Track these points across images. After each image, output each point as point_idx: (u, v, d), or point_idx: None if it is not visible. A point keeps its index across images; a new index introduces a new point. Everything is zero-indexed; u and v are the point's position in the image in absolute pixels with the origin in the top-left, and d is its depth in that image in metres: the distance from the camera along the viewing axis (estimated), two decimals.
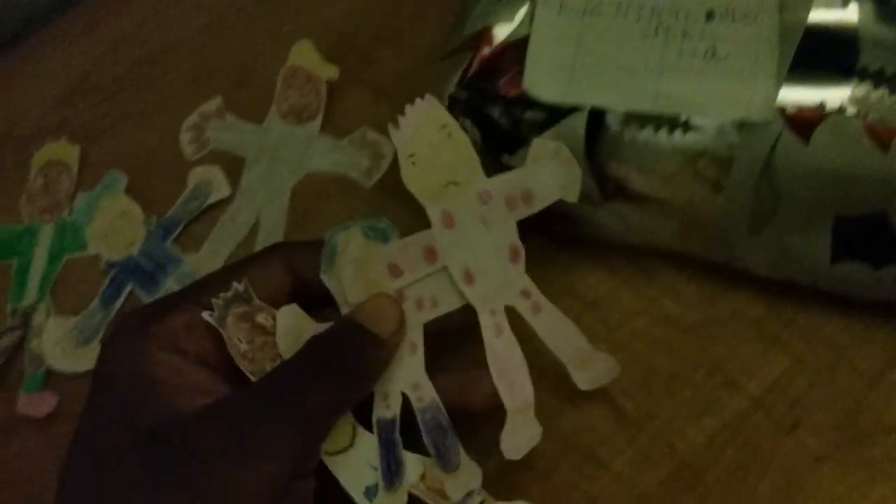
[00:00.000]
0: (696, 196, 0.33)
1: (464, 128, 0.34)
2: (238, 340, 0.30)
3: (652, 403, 0.35)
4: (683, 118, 0.32)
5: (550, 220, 0.37)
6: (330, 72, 0.45)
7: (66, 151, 0.46)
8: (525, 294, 0.34)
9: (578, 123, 0.32)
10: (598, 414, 0.35)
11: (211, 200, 0.44)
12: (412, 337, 0.32)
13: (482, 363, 0.33)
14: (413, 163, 0.33)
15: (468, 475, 0.32)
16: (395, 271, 0.32)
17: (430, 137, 0.33)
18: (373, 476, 0.31)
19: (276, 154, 0.44)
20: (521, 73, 0.33)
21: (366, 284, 0.32)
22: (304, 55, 0.46)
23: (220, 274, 0.33)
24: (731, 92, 0.31)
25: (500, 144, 0.34)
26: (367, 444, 0.31)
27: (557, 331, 0.34)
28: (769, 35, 0.32)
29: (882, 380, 0.35)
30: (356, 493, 0.30)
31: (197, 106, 0.47)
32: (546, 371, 0.36)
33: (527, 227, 0.36)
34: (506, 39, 0.34)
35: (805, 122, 0.30)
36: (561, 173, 0.33)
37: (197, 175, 0.44)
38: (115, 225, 0.43)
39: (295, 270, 0.33)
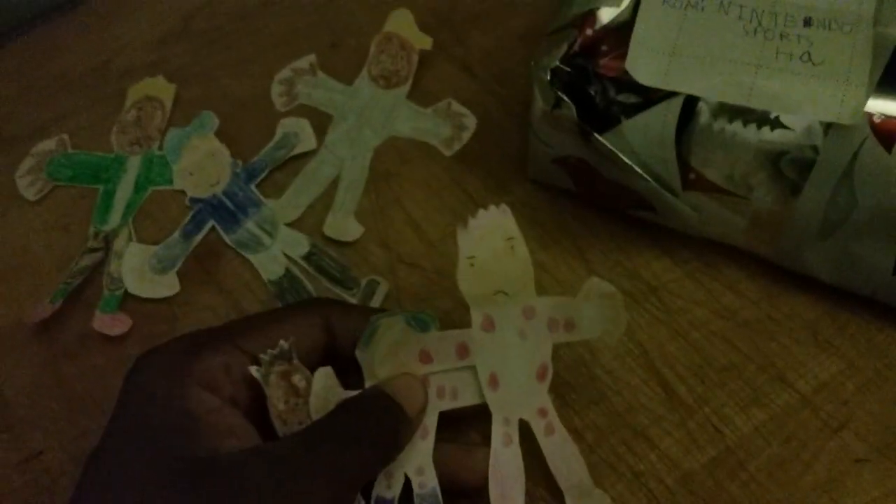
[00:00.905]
0: (772, 194, 0.35)
1: (559, 102, 0.36)
2: (276, 400, 0.31)
3: (704, 390, 0.36)
4: (774, 115, 0.33)
5: (627, 204, 0.39)
6: (424, 42, 0.47)
7: (162, 88, 0.48)
8: (542, 413, 0.34)
9: (672, 109, 0.34)
10: (651, 394, 0.37)
11: (296, 151, 0.45)
12: (426, 422, 0.33)
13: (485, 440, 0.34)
14: (471, 265, 0.33)
15: None
16: (425, 358, 0.33)
17: (494, 246, 0.33)
18: None
19: (363, 114, 0.46)
20: (620, 57, 0.35)
21: (395, 364, 0.33)
22: (402, 23, 0.47)
23: (260, 320, 0.34)
24: (824, 94, 0.33)
25: (592, 123, 0.35)
26: None
27: (564, 457, 0.35)
28: (863, 46, 0.33)
29: None
30: None
31: (290, 62, 0.48)
32: (601, 350, 0.38)
33: (603, 208, 0.37)
34: (609, 22, 0.35)
35: (890, 131, 0.32)
36: (607, 315, 0.34)
37: (286, 125, 0.46)
38: (202, 163, 0.44)
39: (331, 329, 0.34)
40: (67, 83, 0.50)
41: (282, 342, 0.32)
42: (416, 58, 0.47)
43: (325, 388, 0.31)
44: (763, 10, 0.35)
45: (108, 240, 0.43)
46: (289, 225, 0.43)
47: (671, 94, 0.34)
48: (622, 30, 0.35)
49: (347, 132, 0.46)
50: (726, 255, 0.39)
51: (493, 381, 0.34)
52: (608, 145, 0.35)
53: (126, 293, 0.41)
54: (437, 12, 0.50)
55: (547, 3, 0.49)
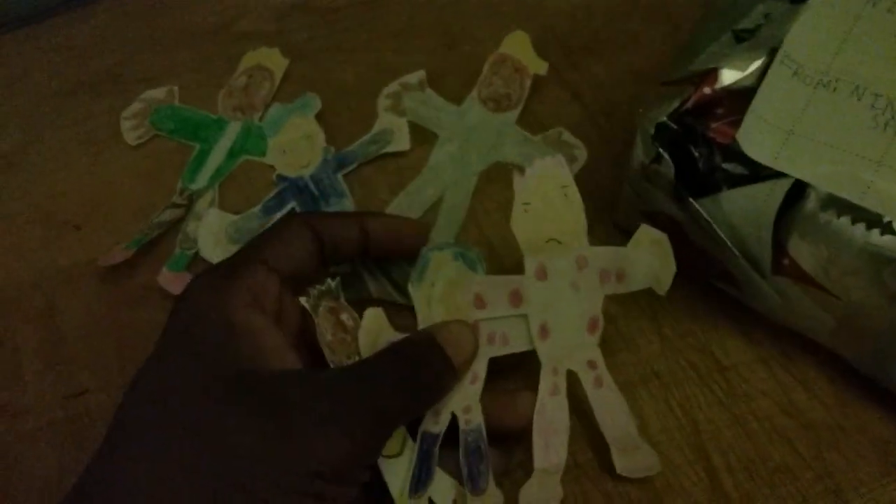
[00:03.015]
0: (868, 301, 0.32)
1: (659, 158, 0.34)
2: (325, 330, 0.33)
3: (752, 488, 0.34)
4: (886, 219, 0.30)
5: (711, 274, 0.37)
6: (540, 67, 0.45)
7: (275, 60, 0.48)
8: (592, 365, 0.34)
9: (778, 191, 0.32)
10: (695, 479, 0.35)
11: (389, 149, 0.44)
12: (476, 367, 0.34)
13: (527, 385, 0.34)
14: (525, 210, 0.35)
15: (492, 500, 0.32)
16: (479, 303, 0.34)
17: (548, 193, 0.35)
18: None
19: (469, 137, 0.44)
20: (734, 123, 0.33)
21: (451, 307, 0.34)
22: (518, 46, 0.46)
23: (269, 238, 0.34)
24: None
25: (690, 186, 0.33)
26: (412, 456, 0.32)
27: (612, 410, 0.34)
28: None
29: None
30: (396, 495, 0.32)
31: (403, 53, 0.48)
32: (651, 418, 0.36)
33: (687, 270, 0.35)
34: (730, 85, 0.33)
35: None
36: (657, 264, 0.34)
37: (383, 122, 0.45)
38: (297, 144, 0.44)
39: (318, 236, 0.35)
40: (187, 37, 0.51)
41: (328, 280, 0.34)
42: (528, 82, 0.45)
43: (375, 326, 0.33)
44: None
45: (192, 199, 0.44)
46: None
47: (781, 174, 0.32)
48: (742, 95, 0.33)
49: (453, 154, 0.44)
50: (806, 349, 0.37)
51: (544, 331, 0.34)
52: (702, 212, 0.33)
53: (196, 255, 0.42)
54: (557, 34, 0.48)
55: (671, 41, 0.47)
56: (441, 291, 0.34)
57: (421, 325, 0.35)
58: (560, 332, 0.34)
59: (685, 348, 0.38)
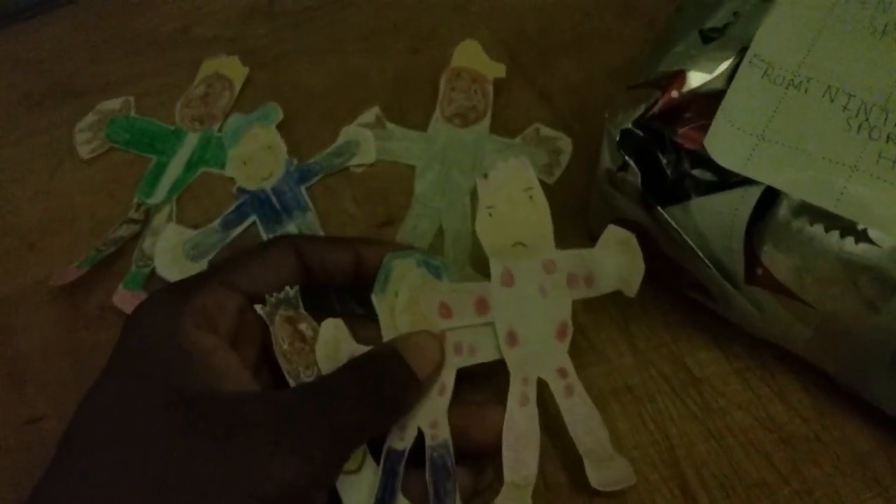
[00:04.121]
0: (845, 310, 0.31)
1: (626, 165, 0.32)
2: (281, 339, 0.32)
3: None
4: (861, 227, 0.29)
5: (684, 283, 0.35)
6: (497, 70, 0.44)
7: (234, 69, 0.46)
8: (562, 373, 0.33)
9: (749, 198, 0.30)
10: (668, 496, 0.33)
11: (354, 162, 0.43)
12: (444, 378, 0.33)
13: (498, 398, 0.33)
14: (490, 214, 0.34)
15: None
16: (444, 312, 0.33)
17: (512, 195, 0.34)
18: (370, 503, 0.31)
19: (446, 159, 0.43)
20: (703, 128, 0.31)
21: (415, 316, 0.33)
22: (470, 55, 0.44)
23: (241, 258, 0.33)
24: None
25: (657, 193, 0.32)
26: (372, 473, 0.31)
27: (584, 420, 0.33)
28: None
29: None
30: None
31: (371, 55, 0.46)
32: (624, 435, 0.35)
33: (657, 281, 0.34)
34: (698, 88, 0.32)
35: None
36: (625, 264, 0.33)
37: (348, 133, 0.44)
38: (257, 155, 0.43)
39: (302, 260, 0.34)
40: (144, 44, 0.49)
41: (287, 289, 0.33)
42: (490, 89, 0.43)
43: (334, 337, 0.32)
44: (874, 105, 0.31)
45: (149, 214, 0.42)
46: None
47: (751, 181, 0.31)
48: (711, 98, 0.32)
49: (435, 181, 0.42)
50: (783, 360, 0.36)
51: (512, 339, 0.33)
52: (671, 221, 0.32)
53: (153, 272, 0.40)
54: (528, 34, 0.47)
55: (648, 38, 0.46)
56: (405, 300, 0.33)
57: (385, 337, 0.33)
58: (528, 339, 0.33)
59: (658, 360, 0.36)
